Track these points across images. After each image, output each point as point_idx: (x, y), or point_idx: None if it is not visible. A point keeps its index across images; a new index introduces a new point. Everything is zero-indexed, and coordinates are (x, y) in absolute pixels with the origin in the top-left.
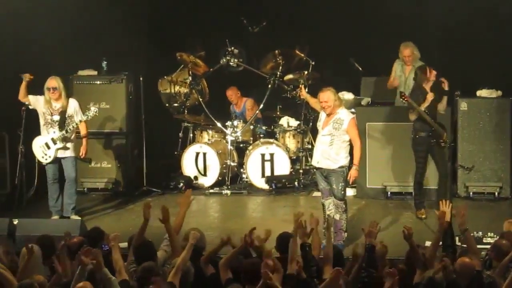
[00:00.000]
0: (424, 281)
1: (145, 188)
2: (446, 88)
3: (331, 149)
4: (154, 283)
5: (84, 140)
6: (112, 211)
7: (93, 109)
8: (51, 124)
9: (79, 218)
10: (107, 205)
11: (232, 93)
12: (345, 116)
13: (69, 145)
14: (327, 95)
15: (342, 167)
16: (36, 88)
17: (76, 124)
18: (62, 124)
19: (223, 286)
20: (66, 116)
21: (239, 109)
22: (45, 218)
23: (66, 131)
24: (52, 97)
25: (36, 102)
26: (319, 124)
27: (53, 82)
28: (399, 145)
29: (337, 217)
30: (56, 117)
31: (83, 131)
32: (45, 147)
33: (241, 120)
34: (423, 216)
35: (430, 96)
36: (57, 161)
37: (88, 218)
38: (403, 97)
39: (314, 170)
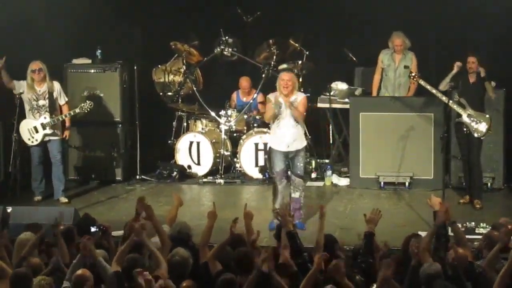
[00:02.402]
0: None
1: (139, 177)
2: (483, 75)
3: (297, 129)
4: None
5: (67, 121)
6: (105, 200)
7: (88, 103)
8: (37, 110)
9: (67, 200)
10: (100, 193)
11: (248, 84)
12: (300, 96)
13: (55, 129)
14: (290, 75)
15: (305, 145)
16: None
17: (66, 115)
18: (52, 109)
19: (215, 278)
20: (54, 98)
21: (249, 99)
22: (39, 206)
23: (58, 120)
24: (37, 79)
25: (19, 87)
26: (281, 110)
27: (37, 64)
28: (393, 135)
29: (296, 195)
30: (42, 102)
31: (65, 112)
32: (33, 130)
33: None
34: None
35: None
36: (42, 143)
37: (82, 207)
38: (414, 78)
39: (275, 151)
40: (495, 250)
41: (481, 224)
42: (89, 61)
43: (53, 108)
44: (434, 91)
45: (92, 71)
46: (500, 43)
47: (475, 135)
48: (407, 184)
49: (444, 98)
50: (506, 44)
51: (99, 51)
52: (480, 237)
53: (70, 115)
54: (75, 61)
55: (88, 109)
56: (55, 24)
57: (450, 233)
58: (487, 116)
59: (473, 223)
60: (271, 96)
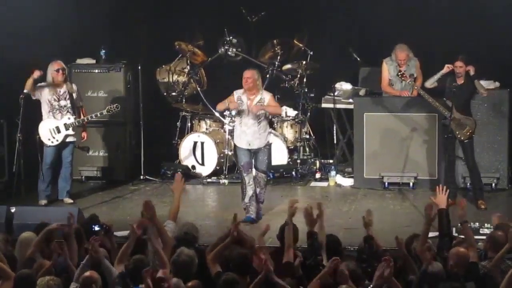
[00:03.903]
0: (418, 274)
1: (143, 177)
2: (472, 73)
3: (260, 128)
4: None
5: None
6: (109, 200)
7: (115, 105)
8: (59, 110)
9: (72, 201)
10: (104, 193)
11: None
12: (265, 95)
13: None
14: (251, 73)
15: (269, 142)
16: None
17: (92, 117)
18: (73, 110)
19: (214, 279)
20: (74, 100)
21: None
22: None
23: (83, 121)
24: (60, 79)
25: (41, 92)
26: (243, 108)
27: (60, 63)
28: (397, 135)
29: (258, 190)
30: (64, 102)
31: (83, 116)
32: (55, 130)
33: None
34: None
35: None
36: (58, 145)
37: (86, 207)
38: (403, 76)
39: (238, 147)
40: (503, 251)
41: (486, 224)
42: (93, 61)
43: (74, 109)
44: (421, 92)
45: (96, 71)
46: (504, 43)
47: (459, 138)
48: (411, 184)
49: (430, 100)
50: (510, 43)
51: (103, 51)
52: (484, 237)
53: (97, 117)
54: (79, 61)
55: (114, 110)
56: (59, 24)
57: (455, 234)
58: (472, 119)
59: (477, 223)
60: (236, 93)
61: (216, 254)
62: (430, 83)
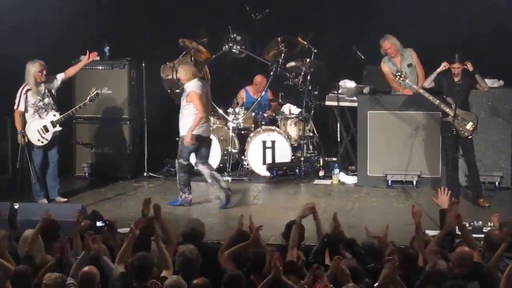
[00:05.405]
0: (422, 275)
1: (146, 174)
2: (471, 69)
3: (180, 119)
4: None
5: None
6: (113, 197)
7: (95, 93)
8: (44, 108)
9: (66, 199)
10: (108, 190)
11: (264, 82)
12: (188, 89)
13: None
14: (179, 71)
15: (183, 135)
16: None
17: (77, 109)
18: (56, 105)
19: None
20: (54, 95)
21: (258, 96)
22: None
23: (68, 115)
24: (43, 79)
25: (27, 103)
26: None
27: (42, 63)
28: (400, 133)
29: None
30: (47, 100)
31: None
32: (43, 130)
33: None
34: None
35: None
36: (46, 144)
37: (89, 204)
38: (401, 77)
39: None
40: (501, 250)
41: (489, 223)
42: (97, 58)
43: (56, 105)
44: (421, 91)
45: (100, 68)
46: (509, 41)
47: (463, 134)
48: (414, 182)
49: (431, 98)
50: None
51: (107, 48)
52: None
53: (80, 108)
54: (83, 58)
55: (95, 97)
56: (63, 21)
57: (457, 232)
58: (473, 114)
59: (480, 222)
60: None
61: (232, 254)
62: (428, 82)
